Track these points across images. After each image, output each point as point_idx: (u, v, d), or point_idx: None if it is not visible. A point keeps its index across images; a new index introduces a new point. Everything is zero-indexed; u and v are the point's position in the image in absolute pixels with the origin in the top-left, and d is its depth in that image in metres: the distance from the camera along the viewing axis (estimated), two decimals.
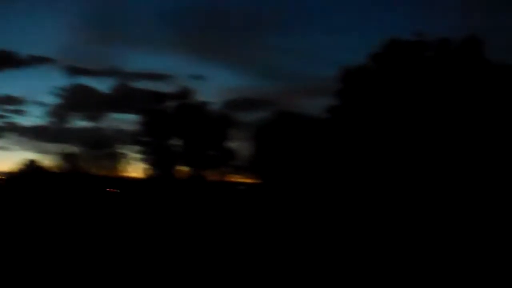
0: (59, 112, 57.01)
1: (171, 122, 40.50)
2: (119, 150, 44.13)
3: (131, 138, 42.57)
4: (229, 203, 33.38)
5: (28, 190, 37.65)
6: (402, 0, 68.55)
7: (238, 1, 74.63)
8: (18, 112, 63.79)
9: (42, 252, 11.50)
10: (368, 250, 11.81)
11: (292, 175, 34.90)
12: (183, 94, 41.64)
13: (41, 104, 72.74)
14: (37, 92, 78.18)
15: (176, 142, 41.04)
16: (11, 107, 67.05)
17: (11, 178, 44.40)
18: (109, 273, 8.56)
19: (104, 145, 44.04)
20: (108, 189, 41.40)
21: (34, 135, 58.00)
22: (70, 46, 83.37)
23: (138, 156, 42.39)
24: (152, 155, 40.94)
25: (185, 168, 41.27)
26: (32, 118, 76.85)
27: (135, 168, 43.81)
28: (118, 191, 41.41)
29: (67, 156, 43.55)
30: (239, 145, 41.93)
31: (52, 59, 64.53)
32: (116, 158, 43.93)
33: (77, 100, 55.95)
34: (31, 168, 43.62)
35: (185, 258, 10.05)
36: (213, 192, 38.49)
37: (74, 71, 66.73)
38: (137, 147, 42.21)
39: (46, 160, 43.74)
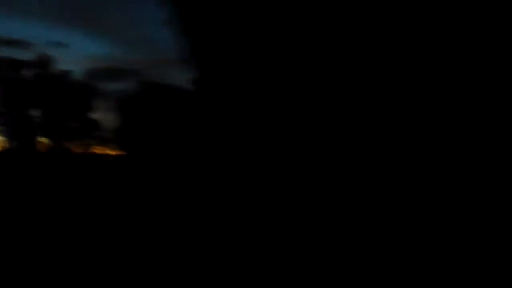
0: None
1: (29, 92, 38.60)
2: None
3: None
4: (92, 175, 32.69)
5: None
6: None
7: None
8: None
9: None
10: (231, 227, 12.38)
11: (157, 146, 34.93)
12: (43, 62, 39.78)
13: None
14: None
15: (35, 112, 39.29)
16: None
17: None
18: None
19: None
20: None
21: None
22: None
23: None
24: (9, 127, 38.92)
25: (45, 140, 39.76)
26: None
27: None
28: None
29: None
30: (103, 115, 41.21)
31: None
32: None
33: None
34: None
35: (50, 233, 9.95)
36: (76, 164, 37.48)
37: None
38: None
39: None
